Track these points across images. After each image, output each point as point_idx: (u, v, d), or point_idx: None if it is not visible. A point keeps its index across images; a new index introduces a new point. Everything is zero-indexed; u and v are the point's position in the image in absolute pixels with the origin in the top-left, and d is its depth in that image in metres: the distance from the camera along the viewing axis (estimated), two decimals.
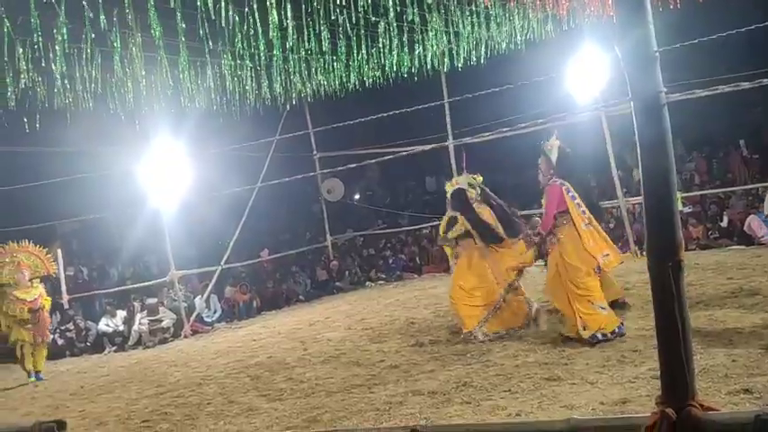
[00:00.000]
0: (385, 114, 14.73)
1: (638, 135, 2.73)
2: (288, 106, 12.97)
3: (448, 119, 14.61)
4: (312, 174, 16.68)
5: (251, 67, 10.53)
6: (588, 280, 7.08)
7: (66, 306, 12.67)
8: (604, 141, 12.82)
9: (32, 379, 10.56)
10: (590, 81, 12.51)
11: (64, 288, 12.52)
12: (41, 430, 2.55)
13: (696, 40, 11.60)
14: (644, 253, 11.73)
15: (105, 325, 12.88)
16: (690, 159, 16.95)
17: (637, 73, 2.75)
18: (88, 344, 12.94)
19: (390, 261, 16.57)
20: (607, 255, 7.29)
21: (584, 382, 5.56)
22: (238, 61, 10.28)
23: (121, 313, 12.99)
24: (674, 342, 2.65)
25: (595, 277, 7.15)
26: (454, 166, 13.72)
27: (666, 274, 2.64)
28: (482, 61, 11.69)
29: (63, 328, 13.13)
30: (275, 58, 10.09)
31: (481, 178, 8.57)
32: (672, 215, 2.71)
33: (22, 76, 8.64)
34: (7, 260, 10.98)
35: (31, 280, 10.96)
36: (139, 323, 12.65)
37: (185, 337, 12.51)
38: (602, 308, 7.00)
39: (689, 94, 11.77)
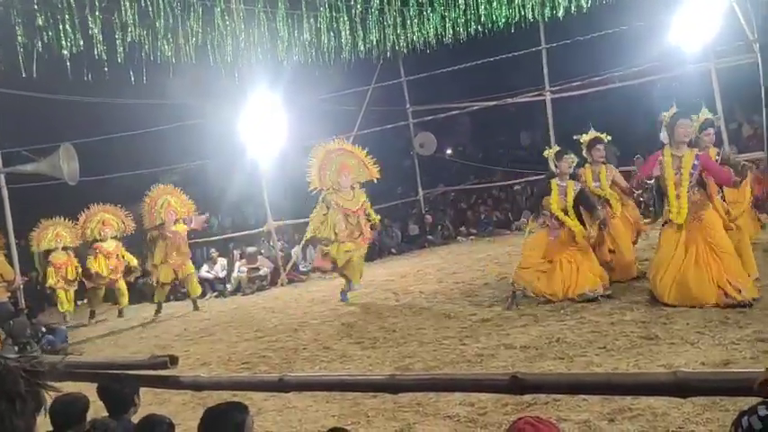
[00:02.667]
0: (479, 62, 14.43)
1: (764, 89, 2.58)
2: (382, 59, 12.92)
3: (545, 69, 14.17)
4: (404, 122, 16.59)
5: (347, 20, 10.52)
6: None
7: None
8: (711, 94, 12.04)
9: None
10: (698, 30, 11.73)
11: None
12: (156, 363, 2.70)
13: None
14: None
15: (206, 272, 13.43)
16: None
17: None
18: None
19: (482, 216, 16.45)
20: None
21: (683, 342, 5.41)
22: (334, 13, 10.30)
23: (222, 261, 13.49)
24: None
25: None
26: (551, 121, 13.36)
27: None
28: (583, 10, 11.26)
29: None
30: (371, 10, 10.05)
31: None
32: None
33: (129, 30, 8.95)
34: (159, 202, 11.60)
35: (176, 221, 11.57)
36: (239, 270, 13.13)
37: (282, 285, 12.89)
38: None
39: None
